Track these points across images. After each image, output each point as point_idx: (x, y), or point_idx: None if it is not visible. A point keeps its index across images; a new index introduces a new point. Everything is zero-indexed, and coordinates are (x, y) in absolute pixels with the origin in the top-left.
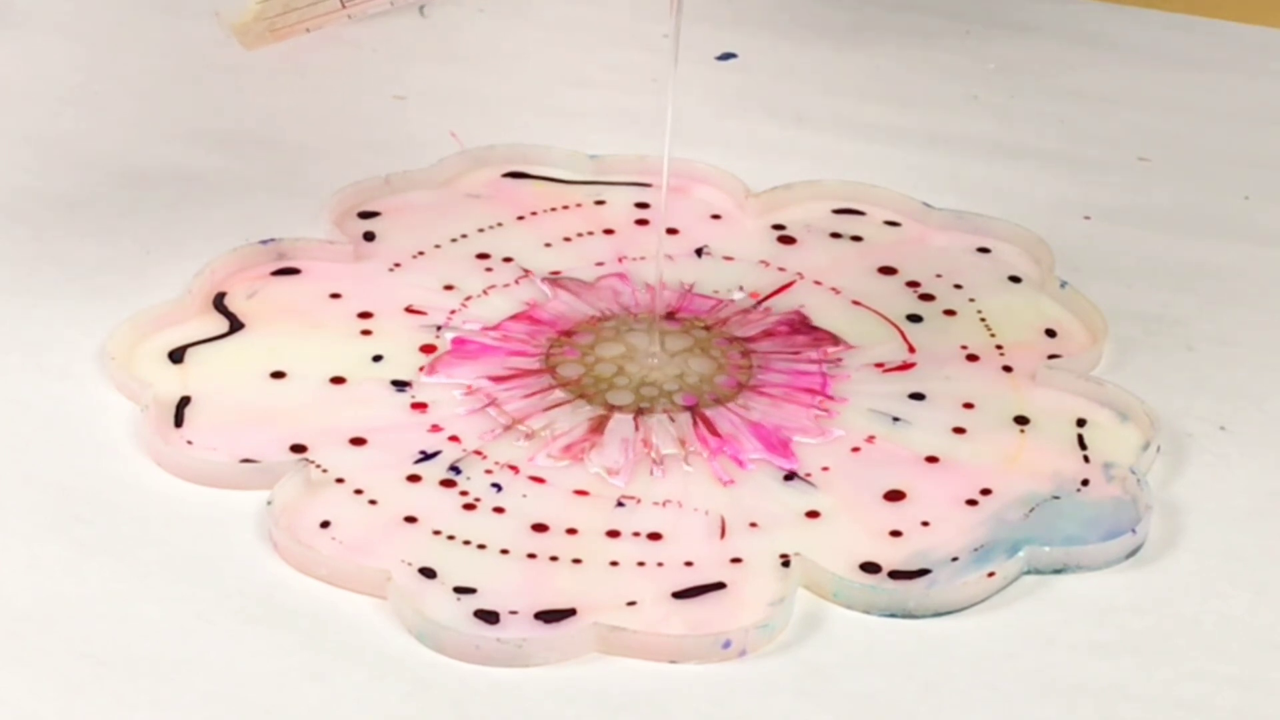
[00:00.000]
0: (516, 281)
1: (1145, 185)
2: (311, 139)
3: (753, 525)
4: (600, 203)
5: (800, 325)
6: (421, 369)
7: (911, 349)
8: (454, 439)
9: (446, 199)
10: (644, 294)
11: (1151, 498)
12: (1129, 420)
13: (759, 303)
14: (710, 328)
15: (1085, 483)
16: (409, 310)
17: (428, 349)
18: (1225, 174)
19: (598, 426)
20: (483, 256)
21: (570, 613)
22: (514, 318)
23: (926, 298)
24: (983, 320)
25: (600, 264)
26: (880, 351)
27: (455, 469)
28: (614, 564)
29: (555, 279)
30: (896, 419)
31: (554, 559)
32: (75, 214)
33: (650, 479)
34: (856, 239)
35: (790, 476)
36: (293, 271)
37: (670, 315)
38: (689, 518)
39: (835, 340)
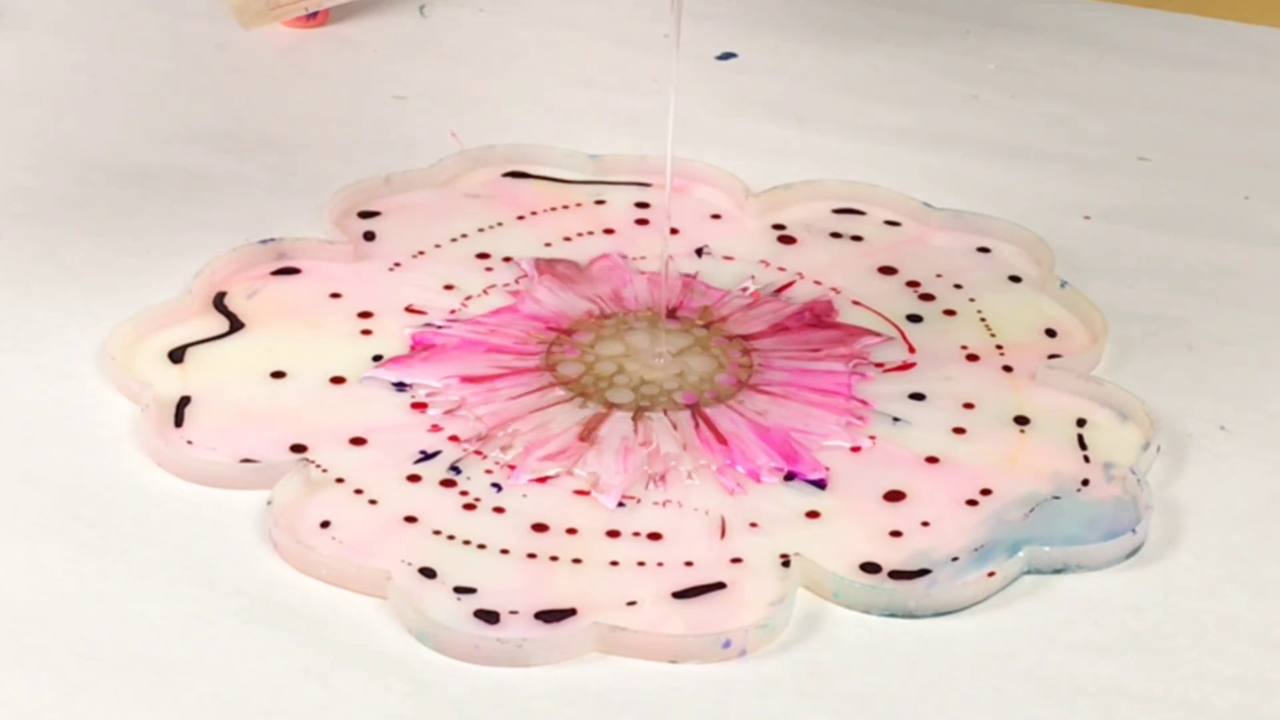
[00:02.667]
0: (517, 281)
1: (1145, 185)
2: (311, 139)
3: (753, 525)
4: (600, 203)
5: (816, 319)
6: (412, 361)
7: (911, 349)
8: (454, 439)
9: (446, 199)
10: (640, 280)
11: (1151, 498)
12: (1129, 420)
13: (777, 292)
14: (710, 325)
15: (1085, 483)
16: (409, 310)
17: None
18: (1225, 174)
19: (588, 432)
20: (483, 256)
21: (570, 613)
22: (496, 312)
23: (926, 298)
24: (983, 320)
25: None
26: (880, 352)
27: (455, 469)
28: (614, 564)
29: (547, 264)
30: (896, 419)
31: (554, 559)
32: (75, 214)
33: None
34: (856, 239)
35: (790, 476)
36: (293, 271)
37: (671, 313)
38: (689, 518)
39: (865, 333)
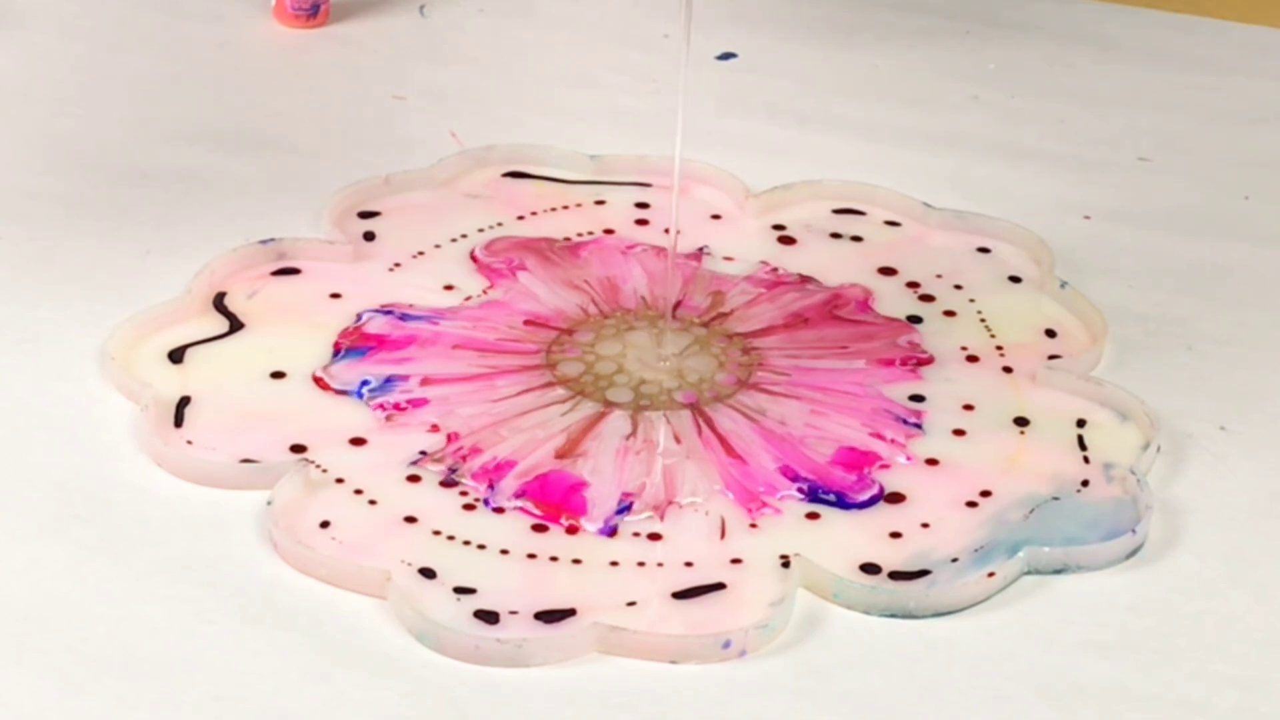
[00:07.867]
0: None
1: (1145, 185)
2: (311, 139)
3: (753, 526)
4: (600, 203)
5: (831, 313)
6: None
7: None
8: (453, 438)
9: (446, 199)
10: (639, 274)
11: (1151, 498)
12: (1129, 420)
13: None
14: (709, 325)
15: (1085, 483)
16: (409, 310)
17: None
18: (1225, 174)
19: (570, 447)
20: None
21: (570, 613)
22: (485, 305)
23: (927, 298)
24: (983, 321)
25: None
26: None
27: (455, 469)
28: (614, 564)
29: (525, 245)
30: (897, 420)
31: (554, 559)
32: (75, 214)
33: (653, 471)
34: (856, 239)
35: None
36: (293, 271)
37: (673, 310)
38: (689, 518)
39: (894, 327)
